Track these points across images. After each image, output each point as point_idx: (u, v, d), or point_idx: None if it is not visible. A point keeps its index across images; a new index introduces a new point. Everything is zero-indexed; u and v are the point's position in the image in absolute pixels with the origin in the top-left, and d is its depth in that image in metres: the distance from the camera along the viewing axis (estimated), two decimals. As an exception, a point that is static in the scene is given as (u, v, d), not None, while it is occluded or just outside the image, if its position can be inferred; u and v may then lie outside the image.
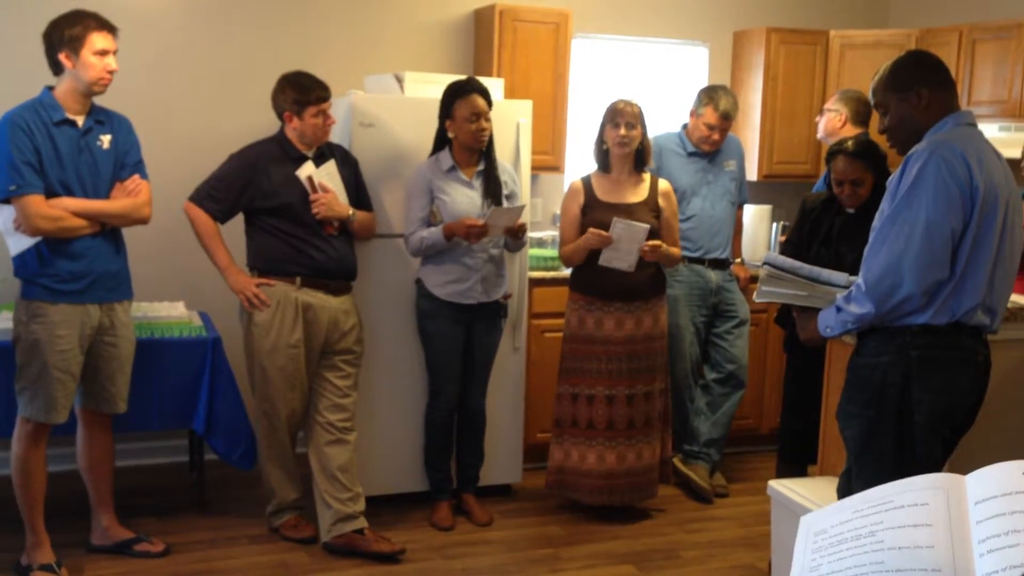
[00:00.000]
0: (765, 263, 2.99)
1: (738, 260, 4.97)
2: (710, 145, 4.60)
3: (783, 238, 4.59)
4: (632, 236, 3.99)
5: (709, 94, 4.57)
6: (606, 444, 4.17)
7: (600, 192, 4.16)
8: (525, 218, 4.35)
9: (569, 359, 4.22)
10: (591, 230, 4.03)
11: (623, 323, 4.14)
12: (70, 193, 3.41)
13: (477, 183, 4.06)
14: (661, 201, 4.20)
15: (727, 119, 4.54)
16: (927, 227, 2.57)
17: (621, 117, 4.10)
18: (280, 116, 3.86)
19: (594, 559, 3.94)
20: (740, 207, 4.91)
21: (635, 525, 4.29)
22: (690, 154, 4.64)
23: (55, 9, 3.50)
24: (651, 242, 4.01)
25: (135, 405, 3.75)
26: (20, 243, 3.39)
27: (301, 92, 3.78)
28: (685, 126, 4.71)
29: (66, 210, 3.38)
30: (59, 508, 3.87)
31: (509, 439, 4.54)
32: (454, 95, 3.98)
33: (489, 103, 4.01)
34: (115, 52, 3.43)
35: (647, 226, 4.01)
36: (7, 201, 3.34)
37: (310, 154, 3.87)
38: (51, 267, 3.40)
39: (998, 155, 2.74)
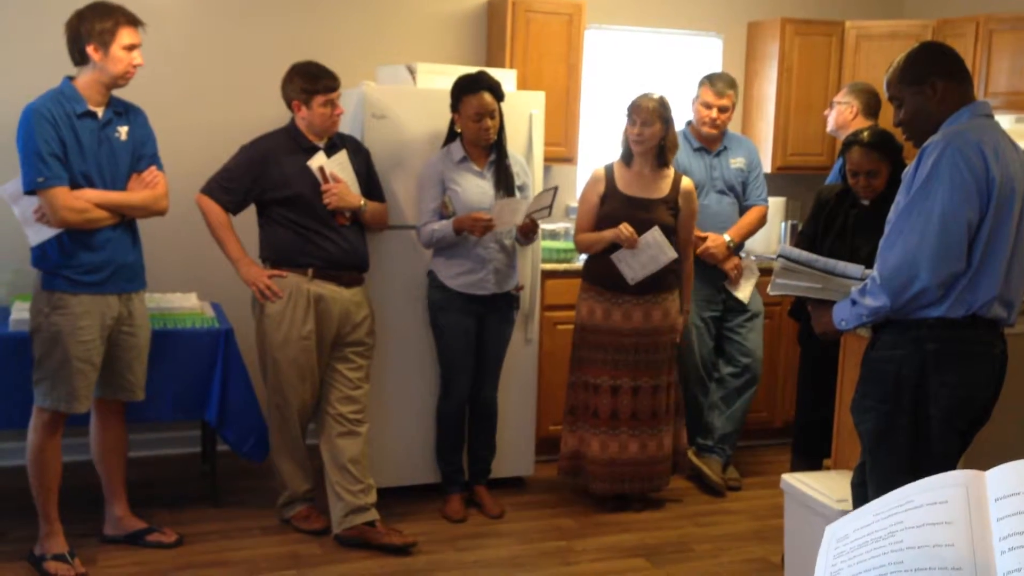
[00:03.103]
0: (779, 256, 2.97)
1: (744, 254, 4.80)
2: (713, 127, 4.56)
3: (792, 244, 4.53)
4: (655, 256, 4.01)
5: (705, 77, 4.64)
6: (609, 433, 4.17)
7: (621, 184, 4.15)
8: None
9: (579, 348, 4.23)
10: (624, 225, 4.01)
11: (631, 315, 4.12)
12: (91, 184, 3.42)
13: (489, 174, 4.05)
14: (681, 200, 4.17)
15: (721, 96, 4.54)
16: (943, 219, 2.55)
17: (637, 114, 4.08)
18: (289, 105, 3.85)
19: (606, 552, 3.94)
20: (761, 207, 4.77)
21: (647, 518, 4.28)
22: (695, 150, 4.62)
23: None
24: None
25: (148, 396, 3.75)
26: (40, 234, 3.39)
27: (309, 81, 3.78)
28: (689, 123, 4.69)
29: (89, 202, 3.39)
30: (72, 498, 3.88)
31: (521, 431, 4.54)
32: (462, 90, 3.96)
33: (500, 97, 3.99)
34: (139, 46, 3.44)
35: (674, 255, 4.03)
36: (31, 192, 3.35)
37: (321, 144, 3.86)
38: (73, 258, 3.41)
39: (1015, 146, 2.71)
